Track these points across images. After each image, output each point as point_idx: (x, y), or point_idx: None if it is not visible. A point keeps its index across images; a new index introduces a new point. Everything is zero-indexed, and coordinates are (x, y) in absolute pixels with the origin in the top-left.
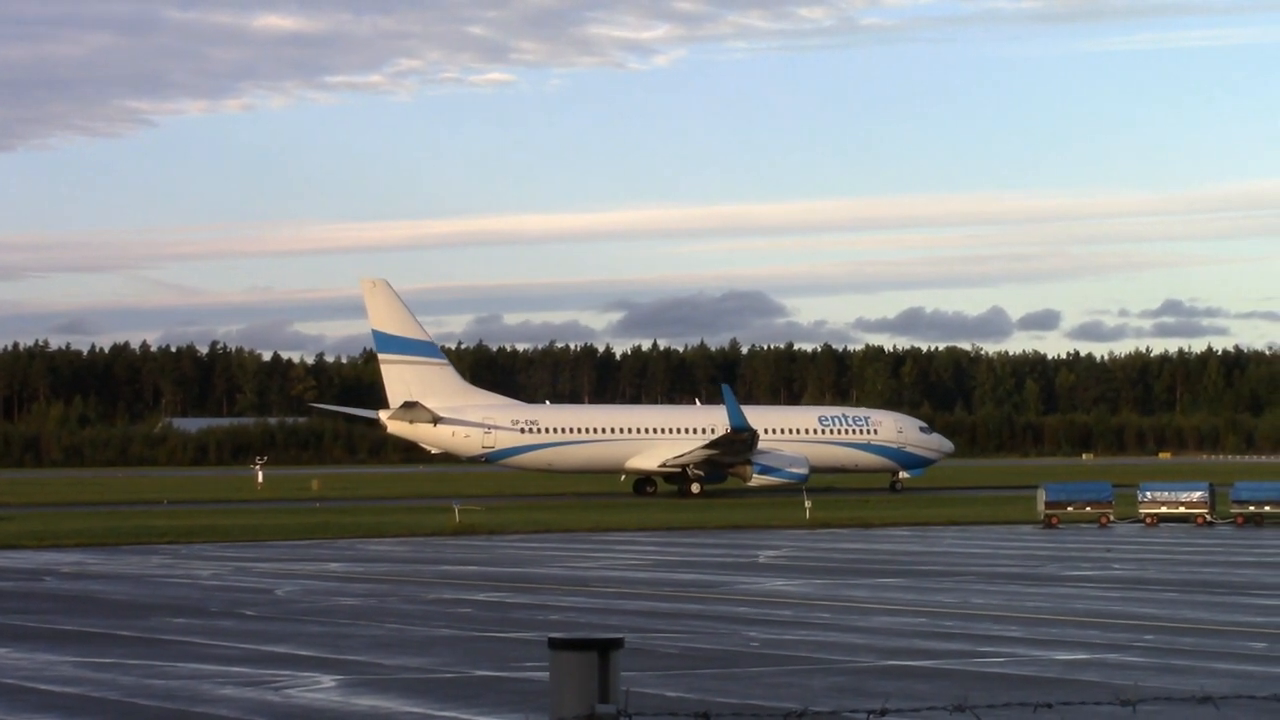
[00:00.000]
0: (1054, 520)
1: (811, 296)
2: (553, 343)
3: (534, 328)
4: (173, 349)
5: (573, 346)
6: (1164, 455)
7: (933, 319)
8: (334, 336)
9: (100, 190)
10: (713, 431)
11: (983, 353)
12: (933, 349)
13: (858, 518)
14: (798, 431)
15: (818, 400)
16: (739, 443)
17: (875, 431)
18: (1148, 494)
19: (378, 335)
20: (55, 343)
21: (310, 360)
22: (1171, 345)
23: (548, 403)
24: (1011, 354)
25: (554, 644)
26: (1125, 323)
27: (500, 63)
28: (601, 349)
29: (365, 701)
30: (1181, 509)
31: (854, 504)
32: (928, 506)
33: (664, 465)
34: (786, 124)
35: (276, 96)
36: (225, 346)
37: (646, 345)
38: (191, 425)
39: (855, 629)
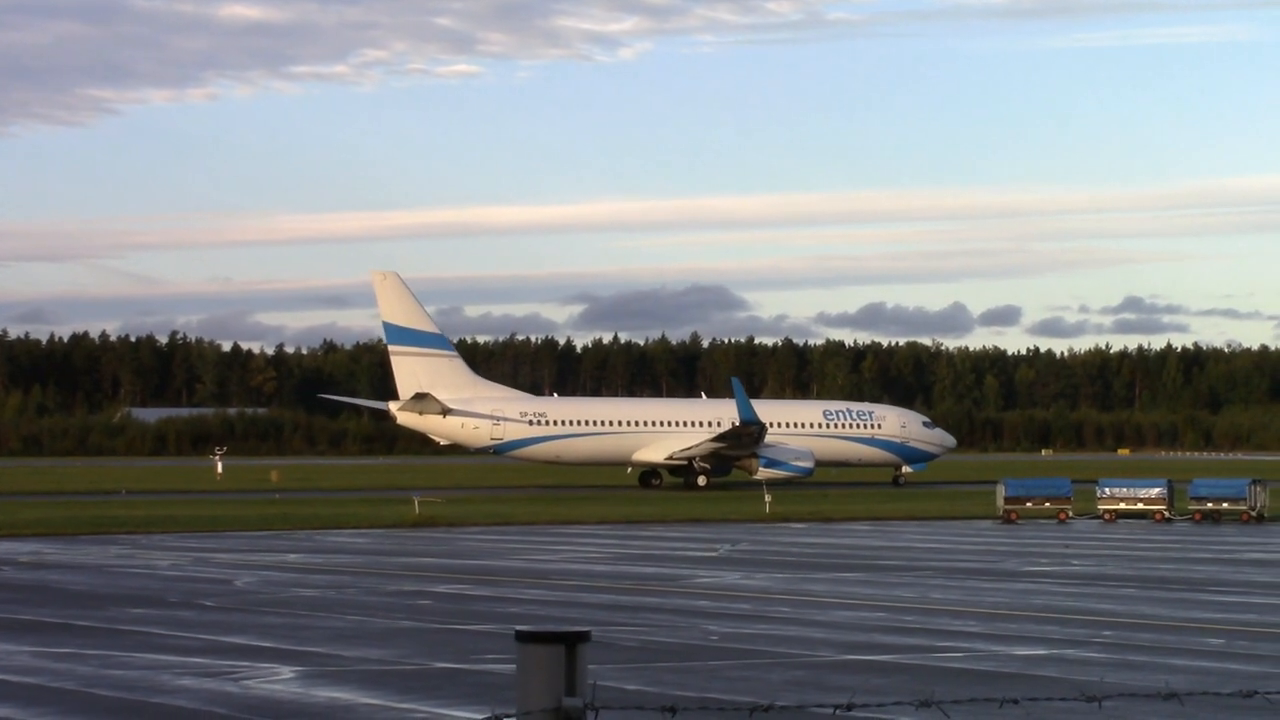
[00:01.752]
0: (1013, 516)
1: (773, 291)
2: (514, 335)
3: (495, 320)
4: (132, 339)
5: (534, 339)
6: (1123, 452)
7: (894, 314)
8: (294, 328)
9: (62, 179)
10: (719, 425)
11: (943, 348)
12: (893, 344)
13: (817, 512)
14: (803, 425)
15: (777, 394)
16: (747, 436)
17: (879, 426)
18: (1106, 490)
19: (388, 327)
20: (14, 332)
21: (270, 351)
22: (1131, 342)
23: (555, 395)
24: (972, 349)
25: (521, 637)
26: (1086, 319)
27: (467, 54)
28: (562, 342)
29: (324, 693)
30: (1140, 505)
31: (814, 498)
32: (887, 501)
33: (670, 458)
34: (752, 118)
35: (241, 86)
36: (185, 336)
37: (607, 338)
38: (150, 415)
39: (814, 623)
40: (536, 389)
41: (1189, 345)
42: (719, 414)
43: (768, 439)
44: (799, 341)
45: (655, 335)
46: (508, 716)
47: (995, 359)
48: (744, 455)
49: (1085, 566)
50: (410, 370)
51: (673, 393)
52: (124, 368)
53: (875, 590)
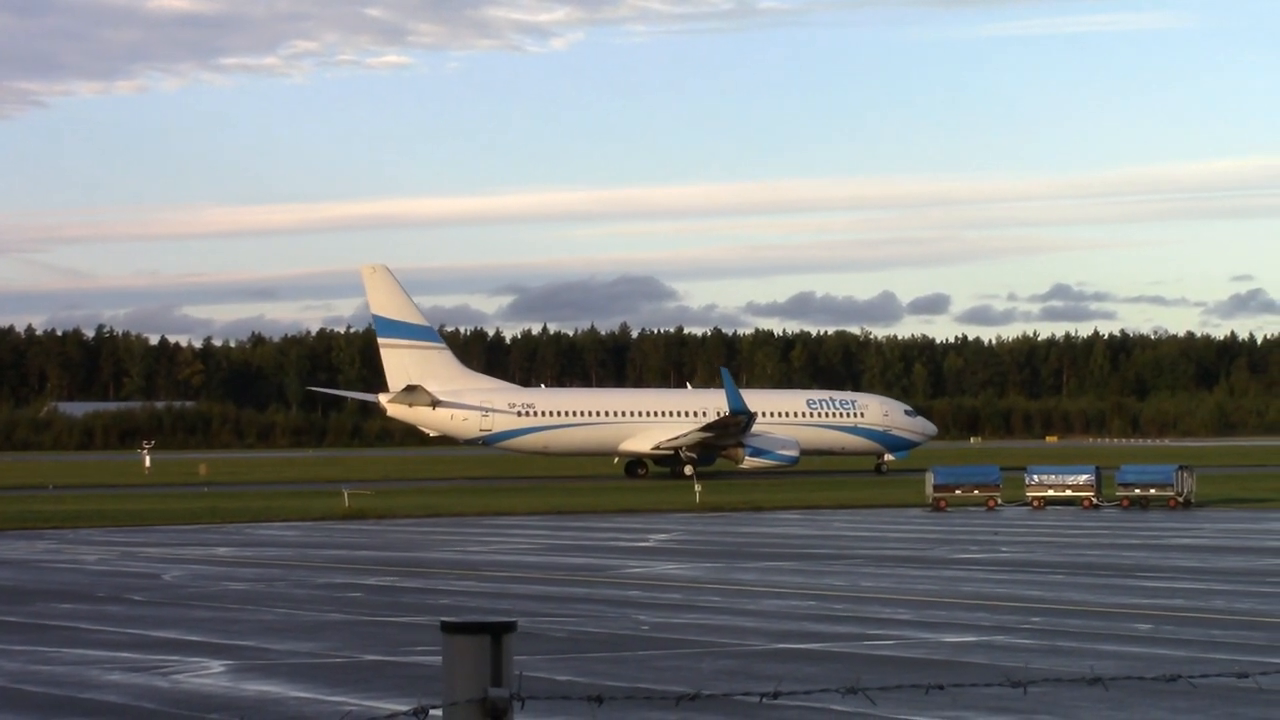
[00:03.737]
0: (942, 503)
1: (703, 280)
2: (442, 326)
3: (424, 311)
4: (59, 332)
5: (463, 330)
6: (1051, 439)
7: (823, 303)
8: (222, 321)
9: None
10: (705, 415)
11: (872, 337)
12: (822, 333)
13: (748, 501)
14: (786, 414)
15: (707, 384)
16: (734, 425)
17: (862, 415)
18: (1035, 477)
19: (378, 320)
20: None
21: (198, 344)
22: (1059, 329)
23: (543, 386)
24: (900, 338)
25: (446, 628)
26: (1014, 307)
27: (397, 45)
28: (491, 333)
29: (254, 686)
30: (1068, 492)
31: (744, 487)
32: (818, 489)
33: (657, 448)
34: (682, 107)
35: (170, 78)
36: (112, 330)
37: (536, 329)
38: (77, 409)
39: (745, 612)
40: None
41: (1116, 332)
42: (705, 404)
43: (753, 428)
44: (728, 331)
45: (584, 326)
46: (434, 708)
47: (924, 347)
48: (730, 444)
49: (1014, 553)
50: (400, 363)
51: (602, 383)
52: (50, 362)
53: (806, 579)
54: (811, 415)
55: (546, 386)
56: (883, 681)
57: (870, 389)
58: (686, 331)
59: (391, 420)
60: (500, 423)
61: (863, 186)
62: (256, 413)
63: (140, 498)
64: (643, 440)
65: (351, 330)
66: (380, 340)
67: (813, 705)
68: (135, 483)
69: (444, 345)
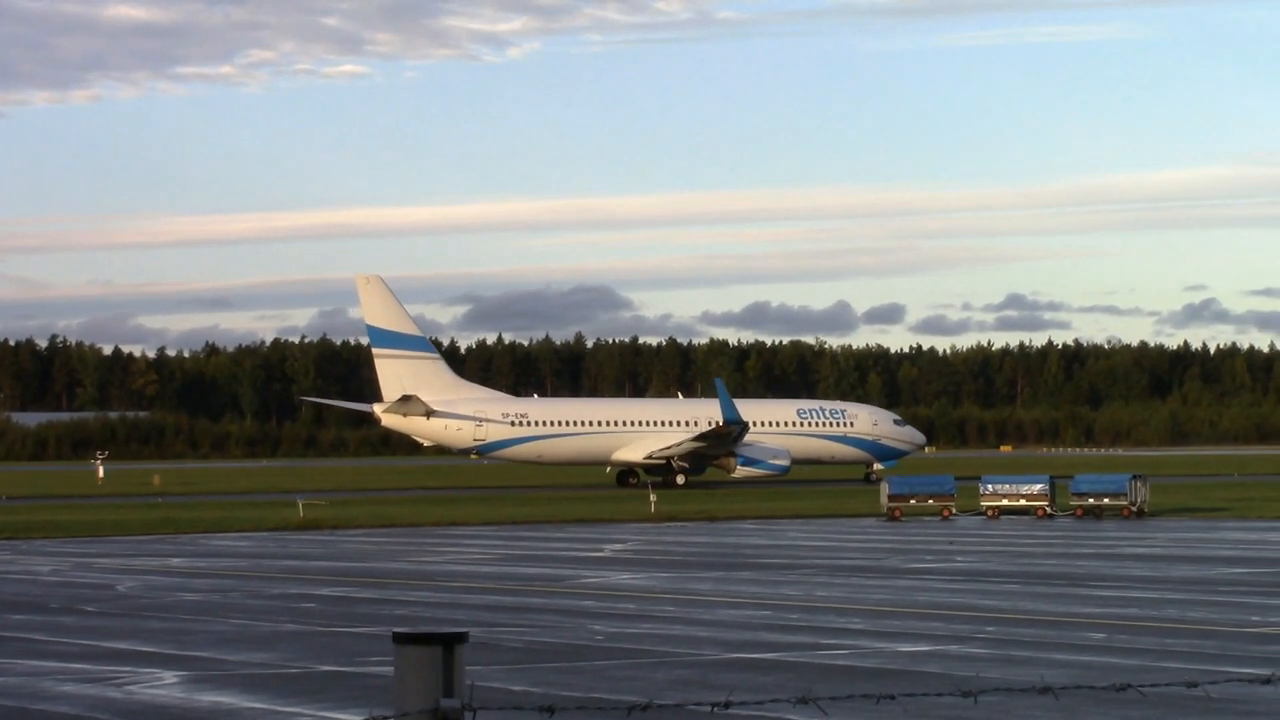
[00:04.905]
0: (897, 513)
1: (659, 290)
2: None
3: None
4: (11, 342)
5: None
6: (1005, 448)
7: (779, 313)
8: (176, 330)
9: None
10: (696, 424)
11: (827, 346)
12: (777, 343)
13: (703, 511)
14: (777, 424)
15: (662, 393)
16: (727, 435)
17: (851, 424)
18: (989, 487)
19: (371, 330)
20: None
21: (152, 354)
22: (1013, 339)
23: (535, 396)
24: (855, 348)
25: (398, 638)
26: (968, 316)
27: (354, 54)
28: (446, 342)
29: (208, 698)
30: (1022, 501)
31: (700, 497)
32: (772, 499)
33: (649, 457)
34: (639, 117)
35: (126, 88)
36: (65, 340)
37: (492, 339)
38: (30, 420)
39: (700, 622)
40: None
41: (1070, 342)
42: (697, 414)
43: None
44: (683, 341)
45: (539, 335)
46: (387, 718)
47: (878, 357)
48: (722, 454)
49: (969, 563)
50: (394, 373)
51: (557, 393)
52: (3, 372)
53: (761, 589)
54: (802, 425)
55: (539, 396)
56: (835, 691)
57: (826, 399)
58: (641, 341)
59: (346, 430)
60: (494, 432)
61: (818, 196)
62: (210, 423)
63: (94, 508)
64: (635, 450)
65: (306, 340)
66: (374, 350)
67: (765, 715)
68: (89, 493)
69: (438, 355)
